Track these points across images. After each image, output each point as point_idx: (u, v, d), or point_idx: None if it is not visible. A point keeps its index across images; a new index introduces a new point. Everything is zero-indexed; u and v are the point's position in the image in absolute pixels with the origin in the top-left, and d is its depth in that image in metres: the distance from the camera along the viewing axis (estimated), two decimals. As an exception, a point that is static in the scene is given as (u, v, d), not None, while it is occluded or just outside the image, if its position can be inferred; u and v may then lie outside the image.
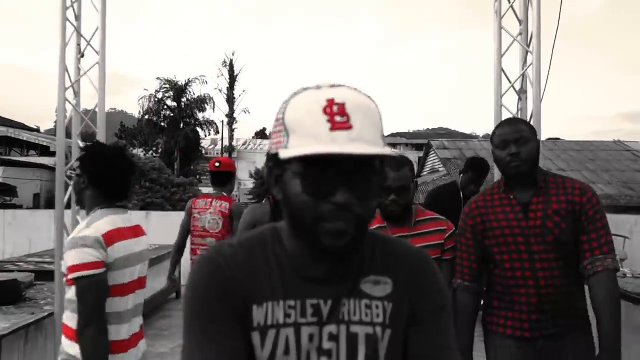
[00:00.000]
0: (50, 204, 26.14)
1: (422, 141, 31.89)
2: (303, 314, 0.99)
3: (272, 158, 0.97)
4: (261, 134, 71.79)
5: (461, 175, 5.08)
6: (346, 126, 0.89)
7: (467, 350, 2.36)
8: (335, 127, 0.89)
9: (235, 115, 40.90)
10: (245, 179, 43.04)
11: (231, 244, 1.05)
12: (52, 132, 53.36)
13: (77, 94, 3.92)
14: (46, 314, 3.83)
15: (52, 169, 28.73)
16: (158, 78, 36.57)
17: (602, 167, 20.73)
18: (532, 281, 2.25)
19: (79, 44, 3.84)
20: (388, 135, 72.90)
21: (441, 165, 20.66)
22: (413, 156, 38.76)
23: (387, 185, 2.32)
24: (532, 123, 3.88)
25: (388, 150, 0.91)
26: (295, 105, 0.94)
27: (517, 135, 2.30)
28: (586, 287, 2.28)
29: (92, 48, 3.81)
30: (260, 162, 45.08)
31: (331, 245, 0.93)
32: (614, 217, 10.05)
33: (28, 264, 6.60)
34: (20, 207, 21.76)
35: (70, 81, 3.81)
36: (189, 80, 36.38)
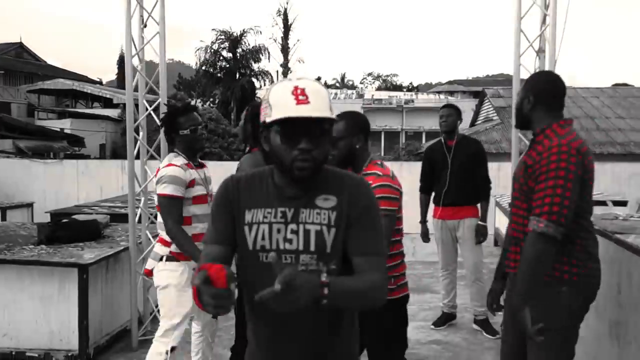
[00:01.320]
0: (115, 154, 27.61)
1: (480, 88, 31.31)
2: (275, 217, 1.57)
3: (262, 124, 1.56)
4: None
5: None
6: (305, 101, 1.46)
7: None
8: (298, 102, 1.45)
9: (289, 65, 41.23)
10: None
11: (242, 174, 1.69)
12: (113, 84, 55.14)
13: (141, 60, 4.50)
14: (122, 248, 4.54)
15: (116, 120, 30.14)
16: (213, 29, 37.15)
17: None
18: (509, 224, 2.58)
19: (141, 15, 4.39)
20: (445, 83, 71.41)
21: (495, 114, 20.52)
22: (470, 104, 38.18)
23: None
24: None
25: (328, 115, 1.48)
26: (275, 91, 1.53)
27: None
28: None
29: (153, 19, 4.35)
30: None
31: (299, 176, 1.51)
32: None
33: (102, 207, 7.45)
34: (87, 156, 23.17)
35: (136, 49, 4.38)
36: (243, 30, 36.76)
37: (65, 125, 27.90)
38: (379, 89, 68.75)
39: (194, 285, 1.26)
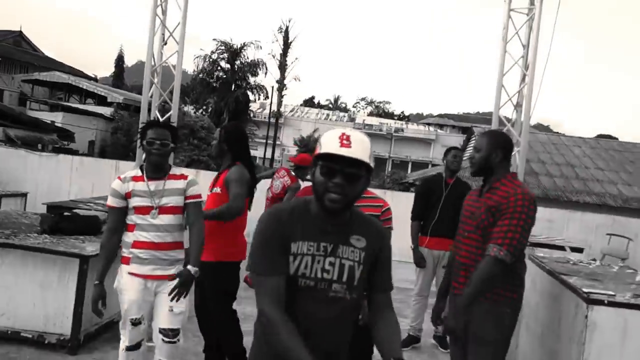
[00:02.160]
0: (103, 152, 27.78)
1: (469, 125, 32.06)
2: (317, 250, 1.86)
3: (313, 161, 1.86)
4: (309, 102, 72.41)
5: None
6: (348, 146, 1.76)
7: None
8: (342, 145, 1.76)
9: (285, 82, 41.83)
10: (289, 145, 44.12)
11: (285, 205, 1.99)
12: (107, 82, 55.34)
13: (158, 74, 4.92)
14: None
15: (108, 119, 30.33)
16: (214, 39, 37.69)
17: (640, 169, 20.74)
18: (459, 250, 3.17)
19: (162, 34, 4.82)
20: (436, 116, 72.47)
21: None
22: (458, 139, 38.92)
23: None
24: (523, 130, 4.70)
25: (366, 160, 1.77)
26: (326, 134, 1.84)
27: (478, 145, 3.18)
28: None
29: (174, 39, 4.78)
30: (306, 130, 45.87)
31: (329, 207, 1.80)
32: (624, 220, 10.66)
33: (97, 204, 7.76)
34: (76, 152, 23.30)
35: (154, 64, 4.80)
36: (244, 44, 37.32)
37: (57, 118, 28.04)
38: (370, 114, 69.52)
39: None
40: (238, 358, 3.99)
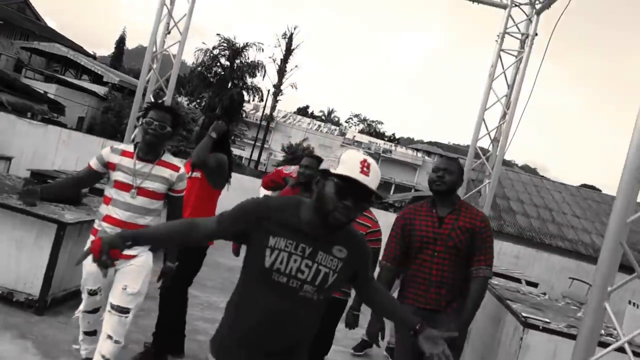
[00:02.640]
0: (91, 130, 27.71)
1: (457, 155, 32.46)
2: (295, 249, 1.98)
3: (323, 171, 2.00)
4: (303, 111, 72.68)
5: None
6: (367, 174, 1.93)
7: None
8: (362, 172, 1.92)
9: (282, 87, 42.10)
10: (277, 150, 44.31)
11: (274, 202, 2.09)
12: (106, 61, 55.21)
13: (157, 60, 5.11)
14: (98, 217, 5.05)
15: (101, 98, 30.31)
16: (218, 34, 37.87)
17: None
18: (428, 270, 3.40)
19: (167, 22, 5.02)
20: (426, 142, 73.22)
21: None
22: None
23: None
24: (496, 163, 4.96)
25: (375, 190, 1.94)
26: (347, 155, 1.97)
27: (445, 166, 3.49)
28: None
29: (178, 29, 4.99)
30: (295, 137, 46.15)
31: (333, 224, 1.96)
32: (588, 266, 10.99)
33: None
34: (64, 125, 23.28)
35: (156, 50, 4.99)
36: (246, 43, 37.50)
37: (50, 89, 27.95)
38: (361, 131, 69.95)
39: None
40: (172, 335, 4.28)
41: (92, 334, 3.72)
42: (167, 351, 4.30)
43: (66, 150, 11.09)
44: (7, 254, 4.63)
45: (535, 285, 5.39)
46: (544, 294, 4.39)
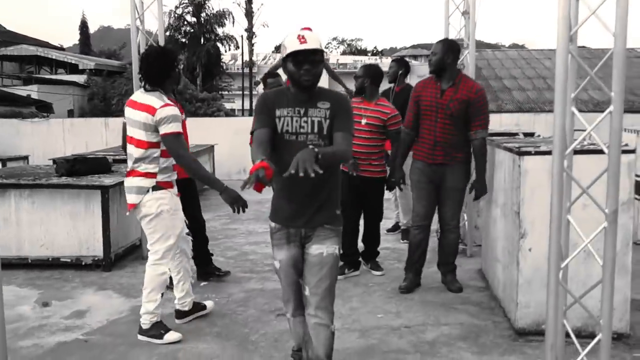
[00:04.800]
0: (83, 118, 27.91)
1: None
2: (294, 113, 2.63)
3: (283, 59, 2.59)
4: (280, 48, 71.78)
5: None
6: (305, 42, 2.51)
7: (399, 161, 4.58)
8: (301, 42, 2.51)
9: (254, 30, 41.62)
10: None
11: (271, 90, 2.90)
12: (74, 50, 54.45)
13: (142, 21, 5.45)
14: (131, 177, 5.57)
15: (82, 86, 30.34)
16: (177, -8, 37.07)
17: (610, 74, 21.36)
18: (432, 133, 4.19)
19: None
20: (409, 47, 72.48)
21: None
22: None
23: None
24: (470, 33, 5.37)
25: (319, 47, 2.54)
26: (287, 39, 2.56)
27: (432, 50, 4.26)
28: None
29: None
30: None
31: (305, 85, 2.56)
32: (585, 115, 11.44)
33: (97, 155, 8.38)
34: (58, 121, 23.50)
35: (137, 13, 5.34)
36: (207, -6, 36.87)
37: (32, 90, 28.00)
38: (343, 53, 69.08)
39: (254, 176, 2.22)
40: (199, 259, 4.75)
41: None
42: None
43: (74, 139, 11.54)
44: (64, 226, 5.19)
45: (531, 134, 5.89)
46: (539, 135, 4.88)
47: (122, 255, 5.51)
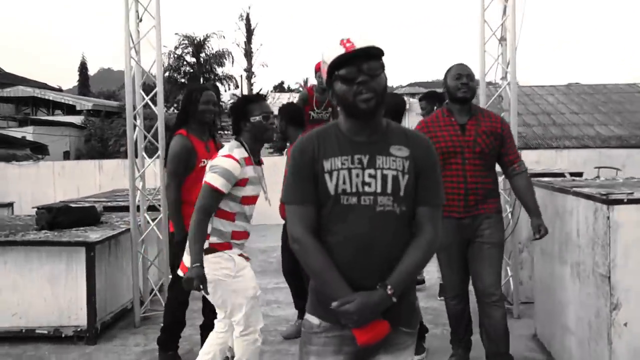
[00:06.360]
0: (79, 160, 27.28)
1: (441, 90, 32.01)
2: (352, 162, 1.78)
3: (327, 84, 1.83)
4: (279, 87, 71.80)
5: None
6: (352, 45, 1.73)
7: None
8: (346, 48, 1.73)
9: (253, 69, 41.41)
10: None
11: (312, 132, 1.90)
12: (74, 92, 54.29)
13: (137, 52, 4.80)
14: (123, 229, 4.82)
15: (79, 127, 29.81)
16: (176, 33, 36.99)
17: (614, 109, 20.98)
18: (462, 179, 3.35)
19: (137, 10, 4.70)
20: (406, 85, 72.65)
21: (455, 113, 21.22)
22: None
23: None
24: (509, 65, 4.71)
25: (376, 45, 1.74)
26: (327, 48, 1.79)
27: (467, 72, 3.45)
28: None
29: (149, 13, 4.66)
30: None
31: (364, 109, 1.75)
32: (609, 152, 10.83)
33: (88, 201, 7.64)
34: (53, 164, 22.89)
35: (132, 43, 4.69)
36: (206, 35, 36.68)
37: (27, 132, 27.48)
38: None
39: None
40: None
41: None
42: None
43: (64, 182, 10.82)
44: (41, 291, 4.39)
45: (580, 174, 5.19)
46: (598, 177, 4.19)
47: (110, 323, 4.70)
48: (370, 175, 1.77)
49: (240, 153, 2.98)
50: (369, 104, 1.75)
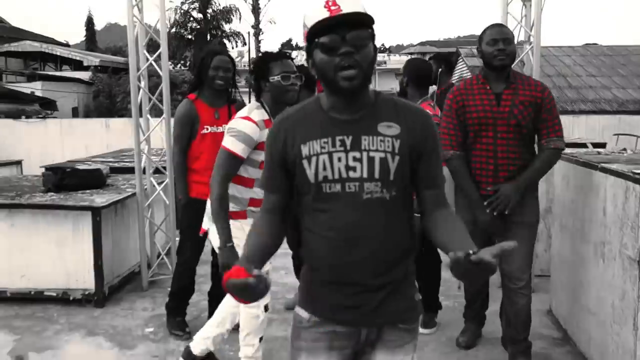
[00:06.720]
0: (88, 117, 27.17)
1: (453, 49, 31.40)
2: (333, 145, 1.55)
3: (307, 49, 1.56)
4: (287, 45, 70.83)
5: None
6: (338, 8, 1.46)
7: (478, 198, 3.13)
8: (330, 11, 1.46)
9: (261, 26, 40.73)
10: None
11: (287, 112, 1.70)
12: (81, 47, 53.73)
13: (140, 10, 4.59)
14: (129, 194, 4.72)
15: (87, 83, 29.57)
16: (183, -12, 36.32)
17: (633, 72, 20.45)
18: (492, 153, 3.07)
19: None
20: (417, 44, 71.21)
21: (469, 73, 20.75)
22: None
23: None
24: (533, 28, 4.48)
25: (363, 11, 1.48)
26: (309, 11, 1.54)
27: (504, 36, 3.08)
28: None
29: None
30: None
31: (346, 87, 1.50)
32: (629, 118, 10.55)
33: (95, 162, 7.54)
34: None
35: (135, 0, 4.48)
36: (214, -11, 36.10)
37: (36, 87, 27.31)
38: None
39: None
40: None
41: None
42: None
43: (72, 141, 10.70)
44: (48, 254, 4.33)
45: (603, 145, 5.00)
46: (624, 149, 4.01)
47: (118, 286, 4.65)
48: (355, 159, 1.55)
49: (260, 115, 2.80)
50: (352, 83, 1.50)
